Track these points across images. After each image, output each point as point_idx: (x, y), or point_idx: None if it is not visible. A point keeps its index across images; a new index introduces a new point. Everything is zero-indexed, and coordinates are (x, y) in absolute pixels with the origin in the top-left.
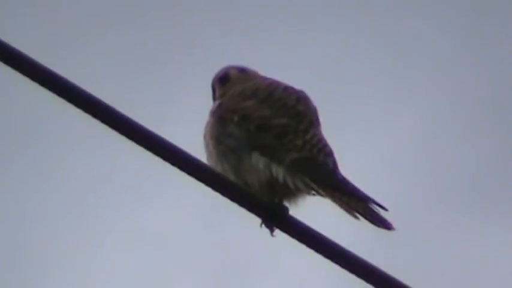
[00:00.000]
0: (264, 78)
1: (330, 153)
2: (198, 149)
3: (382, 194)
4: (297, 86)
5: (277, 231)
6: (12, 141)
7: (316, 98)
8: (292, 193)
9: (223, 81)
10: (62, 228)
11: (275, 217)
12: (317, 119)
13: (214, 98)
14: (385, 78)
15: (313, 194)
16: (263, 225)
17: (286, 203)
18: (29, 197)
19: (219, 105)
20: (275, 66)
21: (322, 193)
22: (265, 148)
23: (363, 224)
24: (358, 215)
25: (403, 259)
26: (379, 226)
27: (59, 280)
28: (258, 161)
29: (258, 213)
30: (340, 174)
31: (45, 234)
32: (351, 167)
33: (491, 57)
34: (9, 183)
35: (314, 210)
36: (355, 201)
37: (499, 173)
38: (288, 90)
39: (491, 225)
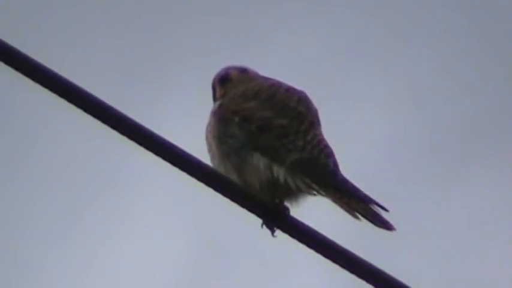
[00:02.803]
0: (265, 79)
1: (330, 154)
2: (198, 149)
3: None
4: (295, 80)
5: (278, 232)
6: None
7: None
8: (293, 193)
9: (224, 81)
10: (49, 224)
11: (276, 217)
12: (318, 120)
13: (214, 98)
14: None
15: (314, 194)
16: (264, 226)
17: (287, 203)
18: (18, 194)
19: (220, 106)
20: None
21: (323, 193)
22: (266, 149)
23: (364, 224)
24: (359, 215)
25: (404, 259)
26: (379, 227)
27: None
28: (259, 161)
29: (259, 214)
30: (341, 175)
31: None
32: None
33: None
34: None
35: (315, 210)
36: (356, 202)
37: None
38: (289, 91)
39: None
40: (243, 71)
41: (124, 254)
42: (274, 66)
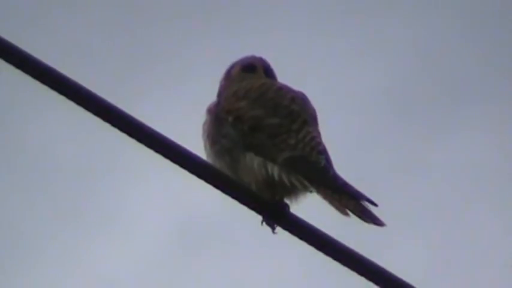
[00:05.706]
0: (264, 79)
1: (322, 151)
2: (197, 146)
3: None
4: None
5: (278, 229)
6: None
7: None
8: (292, 190)
9: (226, 77)
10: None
11: (276, 214)
12: (314, 119)
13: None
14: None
15: (311, 191)
16: (264, 223)
17: (286, 200)
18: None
19: (216, 105)
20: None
21: (315, 190)
22: (259, 148)
23: (356, 221)
24: (348, 212)
25: (404, 257)
26: (369, 223)
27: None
28: (253, 160)
29: (259, 211)
30: (333, 172)
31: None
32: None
33: None
34: None
35: (315, 207)
36: (346, 199)
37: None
38: (282, 89)
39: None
40: (246, 69)
41: (121, 253)
42: (271, 55)
